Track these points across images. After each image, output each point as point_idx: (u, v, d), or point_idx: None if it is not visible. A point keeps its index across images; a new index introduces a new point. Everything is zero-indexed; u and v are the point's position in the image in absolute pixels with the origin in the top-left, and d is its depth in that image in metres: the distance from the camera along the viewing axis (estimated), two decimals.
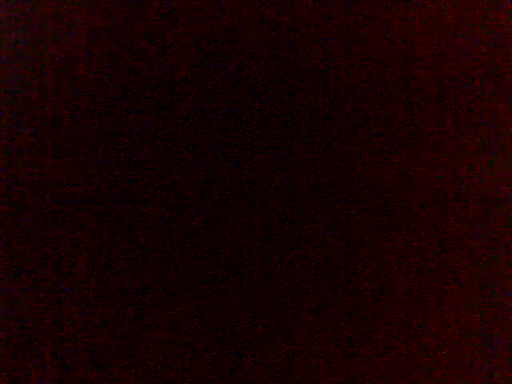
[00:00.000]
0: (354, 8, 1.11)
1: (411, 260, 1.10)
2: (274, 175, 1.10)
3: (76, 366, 1.09)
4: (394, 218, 1.10)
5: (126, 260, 1.10)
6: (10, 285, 1.10)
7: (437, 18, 1.12)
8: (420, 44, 1.11)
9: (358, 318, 1.09)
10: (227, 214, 1.10)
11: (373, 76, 1.11)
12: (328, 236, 1.10)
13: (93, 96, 1.11)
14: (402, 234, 1.10)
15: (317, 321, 1.09)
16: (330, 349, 1.09)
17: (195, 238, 1.10)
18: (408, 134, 1.11)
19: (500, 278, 1.10)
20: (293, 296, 1.09)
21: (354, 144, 1.11)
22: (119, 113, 1.11)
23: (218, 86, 1.11)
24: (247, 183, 1.10)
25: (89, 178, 1.11)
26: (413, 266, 1.10)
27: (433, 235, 1.10)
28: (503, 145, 1.11)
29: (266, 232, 1.10)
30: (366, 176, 1.10)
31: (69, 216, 1.10)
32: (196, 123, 1.11)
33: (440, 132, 1.11)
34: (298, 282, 1.09)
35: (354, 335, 1.09)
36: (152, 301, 1.09)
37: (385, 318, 1.09)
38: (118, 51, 1.11)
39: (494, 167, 1.11)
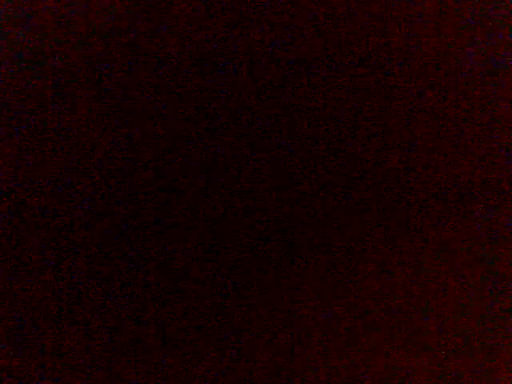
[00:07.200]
0: (354, 8, 1.12)
1: (411, 260, 1.10)
2: (273, 175, 1.11)
3: (75, 365, 1.10)
4: (393, 218, 1.10)
5: (124, 259, 1.10)
6: (10, 284, 1.10)
7: (437, 17, 1.12)
8: (420, 44, 1.12)
9: (358, 318, 1.09)
10: (227, 213, 1.10)
11: (373, 76, 1.11)
12: (328, 236, 1.10)
13: (93, 96, 1.12)
14: (402, 234, 1.10)
15: (316, 320, 1.09)
16: (329, 348, 1.09)
17: (195, 237, 1.10)
18: (408, 134, 1.11)
19: (500, 277, 1.10)
20: (292, 295, 1.10)
21: (354, 144, 1.11)
22: (119, 112, 1.11)
23: (218, 86, 1.11)
24: (247, 183, 1.10)
25: (89, 177, 1.11)
26: (413, 265, 1.10)
27: (433, 235, 1.10)
28: (504, 145, 1.11)
29: (266, 232, 1.10)
30: (365, 176, 1.11)
31: (68, 217, 1.11)
32: (196, 123, 1.11)
33: (440, 132, 1.11)
34: (298, 281, 1.10)
35: (353, 335, 1.09)
36: (151, 300, 1.10)
37: (385, 318, 1.09)
38: (117, 51, 1.12)
39: (494, 167, 1.11)
